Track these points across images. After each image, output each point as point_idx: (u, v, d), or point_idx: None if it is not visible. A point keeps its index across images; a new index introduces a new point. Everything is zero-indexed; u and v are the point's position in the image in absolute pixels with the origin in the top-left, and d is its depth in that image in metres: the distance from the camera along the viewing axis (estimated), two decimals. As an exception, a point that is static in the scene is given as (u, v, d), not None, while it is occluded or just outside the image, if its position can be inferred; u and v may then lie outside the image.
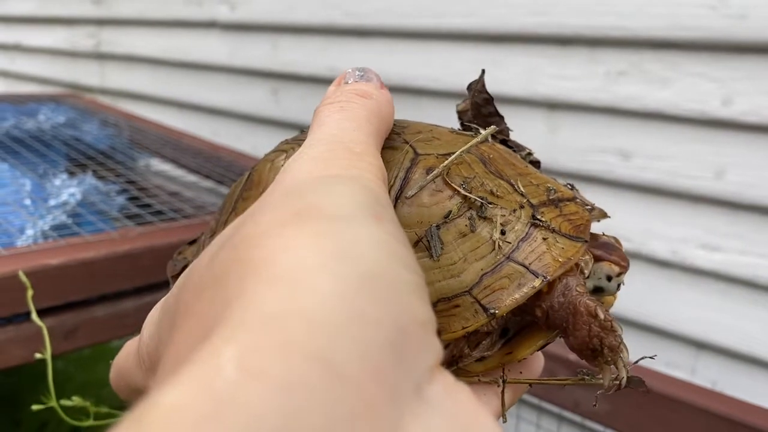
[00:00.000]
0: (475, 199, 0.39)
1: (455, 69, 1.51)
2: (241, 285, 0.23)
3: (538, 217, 0.40)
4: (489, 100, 0.48)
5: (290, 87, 1.92)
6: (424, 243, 0.39)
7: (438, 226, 0.39)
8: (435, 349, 0.25)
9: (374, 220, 0.26)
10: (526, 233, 0.39)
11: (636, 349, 1.40)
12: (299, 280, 0.22)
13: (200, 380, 0.18)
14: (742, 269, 1.20)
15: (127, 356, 0.36)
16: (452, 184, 0.40)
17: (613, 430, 0.78)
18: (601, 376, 0.39)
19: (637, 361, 0.39)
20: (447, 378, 0.26)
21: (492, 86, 1.55)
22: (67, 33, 2.78)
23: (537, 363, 0.45)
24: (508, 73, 1.43)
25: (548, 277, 0.38)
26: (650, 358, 0.44)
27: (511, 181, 0.41)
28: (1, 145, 1.11)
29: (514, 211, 0.40)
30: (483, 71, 0.49)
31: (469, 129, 0.48)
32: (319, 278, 0.22)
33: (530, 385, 0.42)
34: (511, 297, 0.37)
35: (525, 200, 0.40)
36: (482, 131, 0.46)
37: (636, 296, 1.34)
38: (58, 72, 2.89)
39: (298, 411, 0.18)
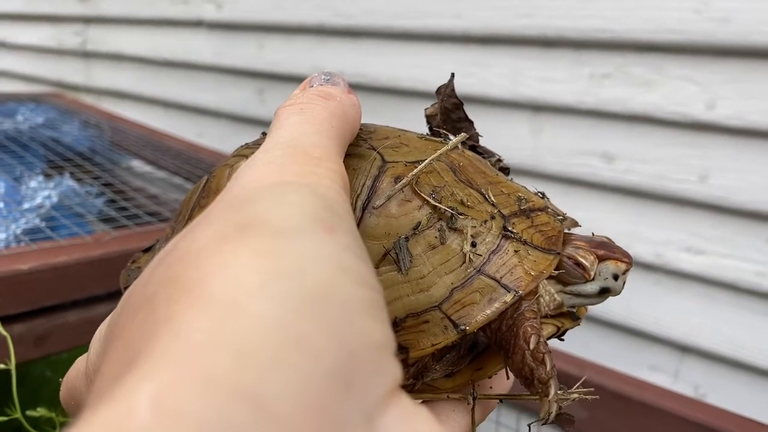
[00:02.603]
0: (445, 210, 0.38)
1: (442, 70, 1.50)
2: (171, 309, 0.21)
3: (510, 228, 0.39)
4: (458, 104, 0.47)
5: (276, 87, 1.91)
6: (392, 256, 0.37)
7: (407, 238, 0.37)
8: (391, 373, 0.24)
9: (325, 233, 0.24)
10: (498, 245, 0.38)
11: (620, 352, 1.39)
12: (233, 305, 0.20)
13: (110, 423, 0.17)
14: (726, 272, 1.20)
15: (77, 373, 0.34)
16: (422, 194, 0.38)
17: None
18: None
19: (568, 399, 0.37)
20: (404, 403, 0.24)
21: (477, 88, 1.54)
22: (53, 31, 2.76)
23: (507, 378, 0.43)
24: (493, 75, 1.42)
25: (520, 292, 0.37)
26: (590, 396, 0.41)
27: (482, 190, 0.40)
28: (-24, 146, 1.09)
29: (485, 222, 0.38)
30: (452, 75, 0.48)
31: (438, 134, 0.46)
32: (256, 302, 0.20)
33: (501, 401, 0.41)
34: (482, 313, 0.36)
35: (496, 210, 0.39)
36: (452, 137, 0.44)
37: (620, 299, 1.33)
38: (43, 70, 2.86)
39: None
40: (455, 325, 0.36)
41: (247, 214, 0.24)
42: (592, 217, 1.34)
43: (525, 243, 0.38)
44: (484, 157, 0.46)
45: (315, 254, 0.23)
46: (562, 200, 1.39)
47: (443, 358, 0.40)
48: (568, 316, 0.42)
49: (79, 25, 2.62)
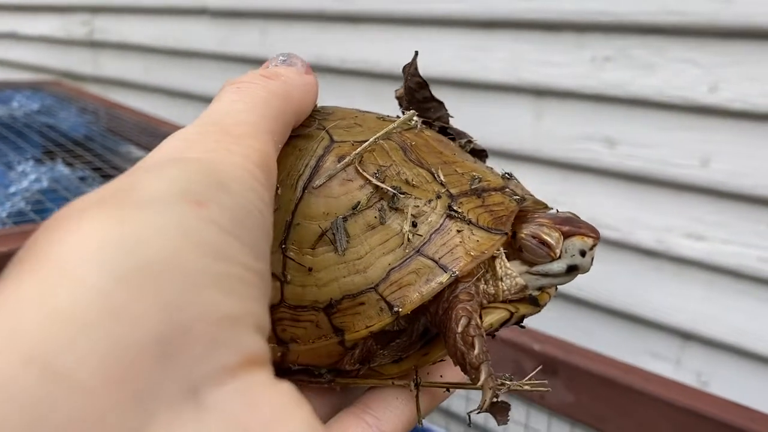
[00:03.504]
0: (387, 189, 0.37)
1: (442, 55, 1.49)
2: (13, 274, 0.21)
3: (455, 208, 0.37)
4: (422, 84, 0.45)
5: (279, 74, 1.90)
6: (329, 236, 0.37)
7: (345, 218, 0.37)
8: (238, 348, 0.23)
9: (190, 206, 0.24)
10: (441, 225, 0.37)
11: (621, 339, 1.38)
12: (62, 271, 0.20)
13: None
14: (728, 258, 1.18)
15: None
16: (364, 173, 0.37)
17: (577, 421, 0.77)
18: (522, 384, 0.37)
19: (504, 387, 0.36)
20: (253, 380, 0.23)
21: (478, 73, 1.53)
22: (60, 21, 2.77)
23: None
24: (494, 60, 1.41)
25: (456, 272, 0.35)
26: (543, 389, 0.39)
27: (432, 169, 0.39)
28: (-30, 132, 1.10)
29: (430, 201, 0.37)
30: (416, 53, 0.47)
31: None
32: (85, 269, 0.20)
33: (448, 389, 0.39)
34: (417, 294, 0.35)
35: (444, 190, 0.38)
36: (415, 118, 0.43)
37: (621, 285, 1.32)
38: (51, 60, 2.88)
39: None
40: (390, 307, 0.35)
41: (118, 185, 0.25)
42: (593, 203, 1.32)
43: (470, 223, 0.37)
44: (453, 139, 0.45)
45: (164, 226, 0.23)
46: (563, 186, 1.38)
47: (392, 343, 0.39)
48: (527, 302, 0.41)
49: (86, 14, 2.63)
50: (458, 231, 0.37)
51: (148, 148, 1.28)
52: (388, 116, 0.45)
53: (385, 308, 0.36)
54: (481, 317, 0.36)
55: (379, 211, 0.37)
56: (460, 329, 0.34)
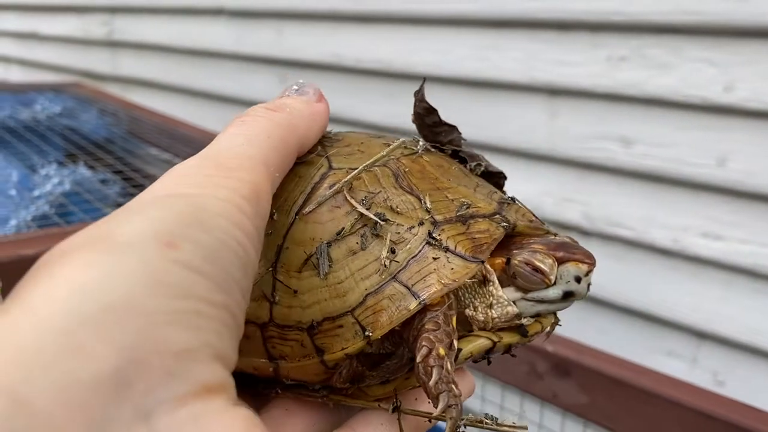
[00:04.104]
0: (371, 217, 0.38)
1: (456, 55, 1.49)
2: (1, 307, 0.24)
3: (435, 235, 0.38)
4: (430, 110, 0.46)
5: (296, 73, 1.92)
6: (313, 261, 0.38)
7: (329, 243, 0.38)
8: (192, 378, 0.25)
9: (160, 248, 0.27)
10: (419, 252, 0.37)
11: (637, 338, 1.38)
12: (33, 313, 0.23)
13: None
14: (744, 258, 1.18)
15: None
16: (351, 200, 0.38)
17: (589, 421, 0.78)
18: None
19: (465, 419, 0.36)
20: (206, 406, 0.25)
21: (492, 72, 1.53)
22: (80, 21, 2.81)
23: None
24: (508, 59, 1.41)
25: (425, 300, 0.36)
26: (491, 421, 0.39)
27: (421, 196, 0.40)
28: (-5, 135, 1.12)
29: (411, 228, 0.38)
30: (423, 80, 0.47)
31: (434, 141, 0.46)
32: (53, 311, 0.23)
33: (429, 420, 0.39)
34: (388, 320, 0.36)
35: (428, 217, 0.39)
36: (420, 143, 0.44)
37: (637, 285, 1.32)
38: (71, 60, 2.92)
39: None
40: (363, 330, 0.36)
41: (102, 228, 0.28)
42: (609, 202, 1.32)
43: (447, 250, 0.37)
44: (464, 162, 0.46)
45: (130, 270, 0.25)
46: (578, 185, 1.38)
47: (382, 365, 0.39)
48: (515, 331, 0.40)
49: (105, 15, 2.66)
50: (434, 258, 0.37)
51: (168, 150, 1.30)
52: (396, 140, 0.45)
53: (359, 332, 0.36)
54: (451, 347, 0.35)
55: (362, 237, 0.38)
56: (419, 359, 0.34)
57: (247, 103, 2.06)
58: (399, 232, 0.38)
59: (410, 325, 0.37)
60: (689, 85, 1.18)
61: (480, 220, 0.40)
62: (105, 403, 0.23)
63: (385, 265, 0.37)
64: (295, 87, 0.42)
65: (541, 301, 0.39)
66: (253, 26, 2.01)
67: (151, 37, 2.45)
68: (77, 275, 0.25)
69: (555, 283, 0.39)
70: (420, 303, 0.36)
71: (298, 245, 0.38)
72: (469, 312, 0.40)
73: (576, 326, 1.37)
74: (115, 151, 1.18)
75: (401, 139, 0.46)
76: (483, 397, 0.97)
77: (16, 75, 3.38)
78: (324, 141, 0.43)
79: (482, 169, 0.46)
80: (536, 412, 0.90)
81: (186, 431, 0.24)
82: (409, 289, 0.36)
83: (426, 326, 0.36)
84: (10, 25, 3.32)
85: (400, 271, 0.37)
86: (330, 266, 0.38)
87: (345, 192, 0.39)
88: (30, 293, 0.24)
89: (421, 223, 0.38)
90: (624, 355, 0.80)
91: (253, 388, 0.41)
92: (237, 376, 0.42)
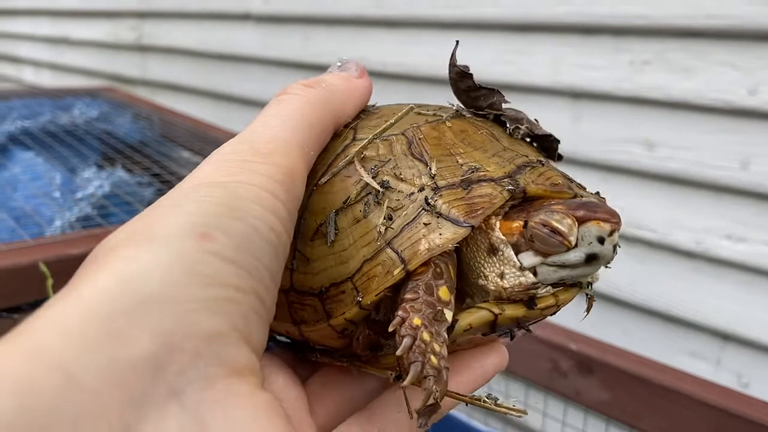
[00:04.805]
0: (374, 185, 0.38)
1: (482, 59, 1.51)
2: (52, 300, 0.27)
3: (431, 201, 0.37)
4: (463, 74, 0.44)
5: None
6: (323, 230, 0.39)
7: (337, 212, 0.39)
8: (220, 360, 0.28)
9: (195, 240, 0.29)
10: (413, 218, 0.37)
11: (661, 339, 1.39)
12: (82, 301, 0.26)
13: None
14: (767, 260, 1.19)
15: None
16: (360, 169, 0.39)
17: (612, 419, 0.79)
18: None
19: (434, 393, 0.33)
20: (231, 388, 0.28)
21: (517, 75, 1.54)
22: (110, 26, 2.86)
23: (478, 370, 0.42)
24: (533, 63, 1.43)
25: (407, 266, 0.35)
26: (518, 414, 0.38)
27: (429, 162, 0.39)
28: (37, 140, 1.17)
29: (411, 194, 0.38)
30: (456, 43, 0.46)
31: (477, 109, 0.45)
32: (97, 301, 0.26)
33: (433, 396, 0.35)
34: (378, 286, 0.36)
35: (431, 182, 0.38)
36: (464, 112, 0.44)
37: (660, 286, 1.33)
38: (102, 64, 2.98)
39: (29, 408, 0.23)
40: (358, 296, 0.37)
41: (144, 222, 0.31)
42: (632, 204, 1.33)
43: (440, 216, 0.36)
44: (505, 125, 0.44)
45: (166, 262, 0.28)
46: (601, 187, 1.38)
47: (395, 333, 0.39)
48: (521, 303, 0.38)
49: (134, 20, 2.71)
50: (425, 224, 0.36)
51: (200, 153, 1.34)
52: (428, 110, 0.45)
53: (355, 297, 0.37)
54: (437, 317, 0.35)
55: (365, 205, 0.38)
56: (391, 328, 0.34)
57: (274, 107, 2.11)
58: (398, 199, 0.38)
59: (403, 290, 0.36)
60: (712, 88, 1.19)
61: (485, 184, 0.38)
62: (142, 383, 0.25)
63: (381, 232, 0.37)
64: (338, 63, 0.43)
65: (563, 266, 0.36)
66: (280, 31, 2.04)
67: (179, 41, 2.49)
68: (120, 268, 0.28)
69: (576, 246, 0.36)
70: (403, 269, 0.36)
71: (312, 215, 0.40)
72: (481, 282, 0.38)
73: (599, 327, 1.38)
74: (150, 154, 1.22)
75: (436, 106, 0.45)
76: (507, 394, 0.99)
77: (47, 79, 3.45)
78: (362, 114, 0.44)
79: (522, 132, 0.44)
80: (560, 409, 0.92)
81: (212, 409, 0.27)
82: (398, 255, 0.36)
83: (405, 296, 0.35)
84: (43, 30, 3.40)
85: (394, 237, 0.37)
86: (336, 234, 0.39)
87: (356, 161, 0.40)
88: (80, 284, 0.27)
89: (421, 189, 0.38)
90: (647, 356, 0.82)
91: (302, 353, 0.43)
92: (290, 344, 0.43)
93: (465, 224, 0.36)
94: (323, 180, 0.40)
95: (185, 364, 0.27)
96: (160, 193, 1.07)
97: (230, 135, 1.55)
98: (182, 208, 0.31)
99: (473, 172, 0.38)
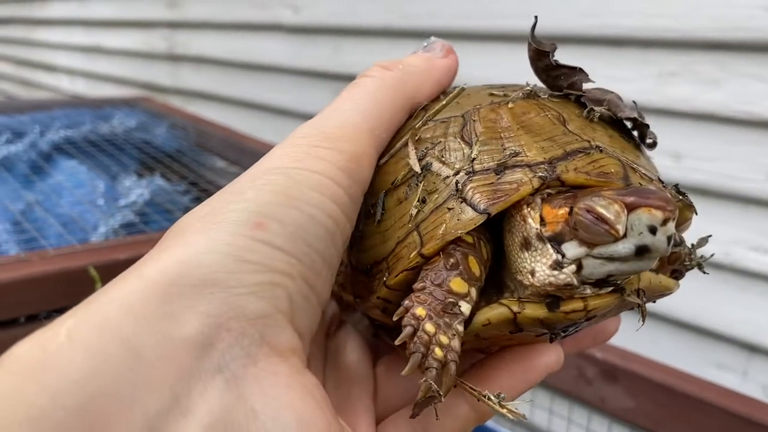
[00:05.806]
0: (416, 167, 0.38)
1: (508, 70, 1.53)
2: (123, 273, 0.30)
3: (460, 185, 0.36)
4: (541, 53, 0.42)
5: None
6: (373, 209, 0.40)
7: (386, 193, 0.39)
8: (264, 340, 0.30)
9: (249, 229, 0.31)
10: (442, 202, 0.36)
11: (687, 350, 1.39)
12: (147, 279, 0.29)
13: (41, 340, 0.27)
14: (795, 272, 1.19)
15: None
16: (411, 151, 0.39)
17: (636, 427, 0.80)
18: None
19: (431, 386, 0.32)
20: (272, 368, 0.30)
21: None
22: (143, 35, 2.93)
23: (529, 367, 0.39)
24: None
25: (422, 250, 0.35)
26: (517, 416, 0.36)
27: (474, 145, 0.38)
28: (80, 148, 1.22)
29: (446, 178, 0.37)
30: (535, 18, 0.44)
31: (557, 89, 0.43)
32: (162, 281, 0.29)
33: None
34: (400, 267, 0.36)
35: (468, 166, 0.37)
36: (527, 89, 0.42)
37: (687, 297, 1.34)
38: (134, 73, 3.04)
39: (97, 371, 0.26)
40: (386, 276, 0.37)
41: (210, 207, 0.33)
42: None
43: (463, 201, 0.35)
44: (584, 107, 0.41)
45: (220, 248, 0.31)
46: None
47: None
48: (543, 304, 0.36)
49: (166, 30, 2.77)
50: (449, 209, 0.36)
51: (236, 163, 1.38)
52: (519, 88, 0.43)
53: (385, 277, 0.38)
54: (446, 309, 0.34)
55: (407, 187, 0.38)
56: (395, 317, 0.34)
57: (304, 116, 2.13)
58: (435, 182, 0.37)
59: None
60: (739, 100, 1.20)
61: (518, 170, 0.36)
62: (191, 359, 0.28)
63: (412, 215, 0.37)
64: (425, 44, 0.44)
65: (611, 259, 0.33)
66: (310, 41, 2.08)
67: (211, 51, 2.54)
68: (180, 252, 0.30)
69: (625, 236, 0.32)
70: (418, 253, 0.36)
71: (369, 195, 0.40)
72: (519, 277, 0.36)
73: (626, 337, 1.39)
74: (188, 163, 1.25)
75: (515, 86, 0.43)
76: (533, 401, 1.01)
77: (81, 87, 3.53)
78: (441, 96, 0.43)
79: (598, 114, 0.41)
80: (584, 417, 0.93)
81: (251, 385, 0.29)
82: (421, 238, 0.36)
83: (416, 285, 0.35)
84: (77, 39, 3.48)
85: (423, 221, 0.37)
86: (383, 214, 0.39)
87: (410, 143, 0.40)
88: (145, 263, 0.30)
89: (457, 173, 0.37)
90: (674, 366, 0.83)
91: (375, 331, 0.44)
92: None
93: (483, 212, 0.35)
94: (382, 161, 0.40)
95: (230, 343, 0.29)
96: (198, 200, 1.11)
97: (264, 145, 1.60)
98: (243, 195, 0.33)
99: (513, 156, 0.37)
